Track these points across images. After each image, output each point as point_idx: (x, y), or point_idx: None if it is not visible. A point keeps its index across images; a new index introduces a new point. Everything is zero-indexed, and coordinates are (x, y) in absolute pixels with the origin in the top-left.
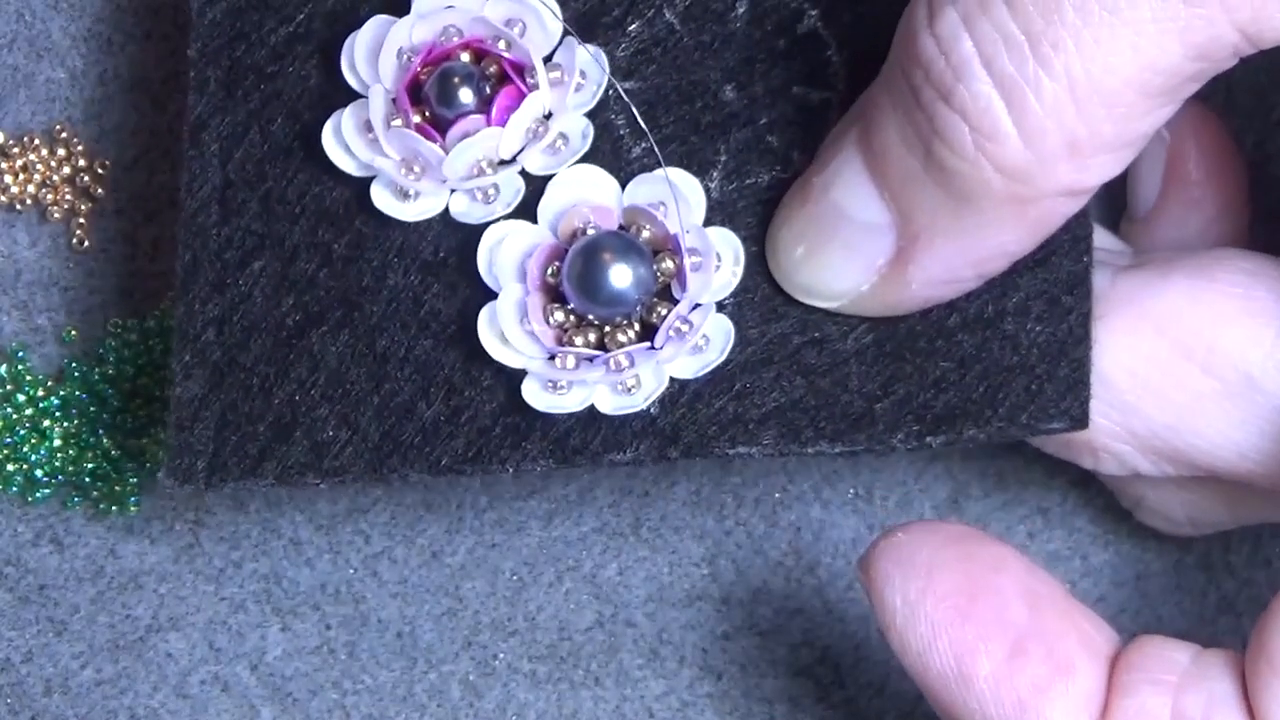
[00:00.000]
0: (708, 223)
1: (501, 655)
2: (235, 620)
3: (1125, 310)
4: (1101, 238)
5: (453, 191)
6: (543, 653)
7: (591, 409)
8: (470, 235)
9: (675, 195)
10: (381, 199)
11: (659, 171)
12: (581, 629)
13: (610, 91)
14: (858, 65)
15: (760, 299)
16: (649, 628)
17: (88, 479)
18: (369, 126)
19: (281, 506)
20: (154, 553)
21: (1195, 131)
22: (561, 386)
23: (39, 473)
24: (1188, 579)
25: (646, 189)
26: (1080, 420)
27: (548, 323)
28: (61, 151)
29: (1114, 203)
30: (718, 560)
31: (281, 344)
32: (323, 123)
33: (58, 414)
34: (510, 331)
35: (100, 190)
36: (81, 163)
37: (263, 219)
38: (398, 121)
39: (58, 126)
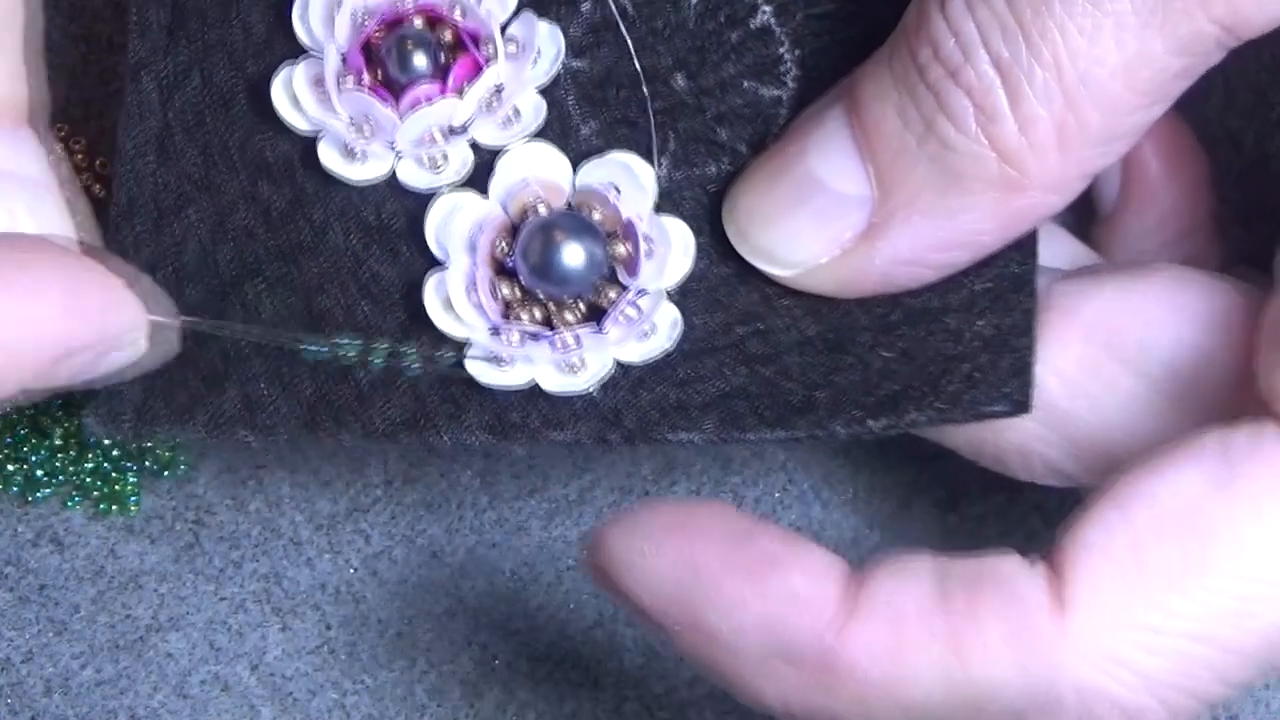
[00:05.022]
0: (655, 210)
1: (501, 655)
2: (235, 620)
3: (1056, 315)
4: (1072, 246)
5: (399, 156)
6: (543, 653)
7: (533, 385)
8: (413, 202)
9: (631, 181)
10: (329, 158)
11: (612, 154)
12: (581, 629)
13: (564, 68)
14: (810, 66)
15: (705, 289)
16: None
17: (88, 479)
18: (320, 84)
19: (281, 506)
20: (154, 553)
21: None
22: (505, 362)
23: (39, 473)
24: None
25: (600, 171)
26: (1023, 404)
27: (494, 297)
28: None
29: (1083, 210)
30: None
31: (215, 294)
32: (266, 74)
33: (58, 414)
34: (457, 302)
35: (100, 190)
36: (81, 161)
37: (201, 167)
38: (349, 81)
39: (58, 126)
